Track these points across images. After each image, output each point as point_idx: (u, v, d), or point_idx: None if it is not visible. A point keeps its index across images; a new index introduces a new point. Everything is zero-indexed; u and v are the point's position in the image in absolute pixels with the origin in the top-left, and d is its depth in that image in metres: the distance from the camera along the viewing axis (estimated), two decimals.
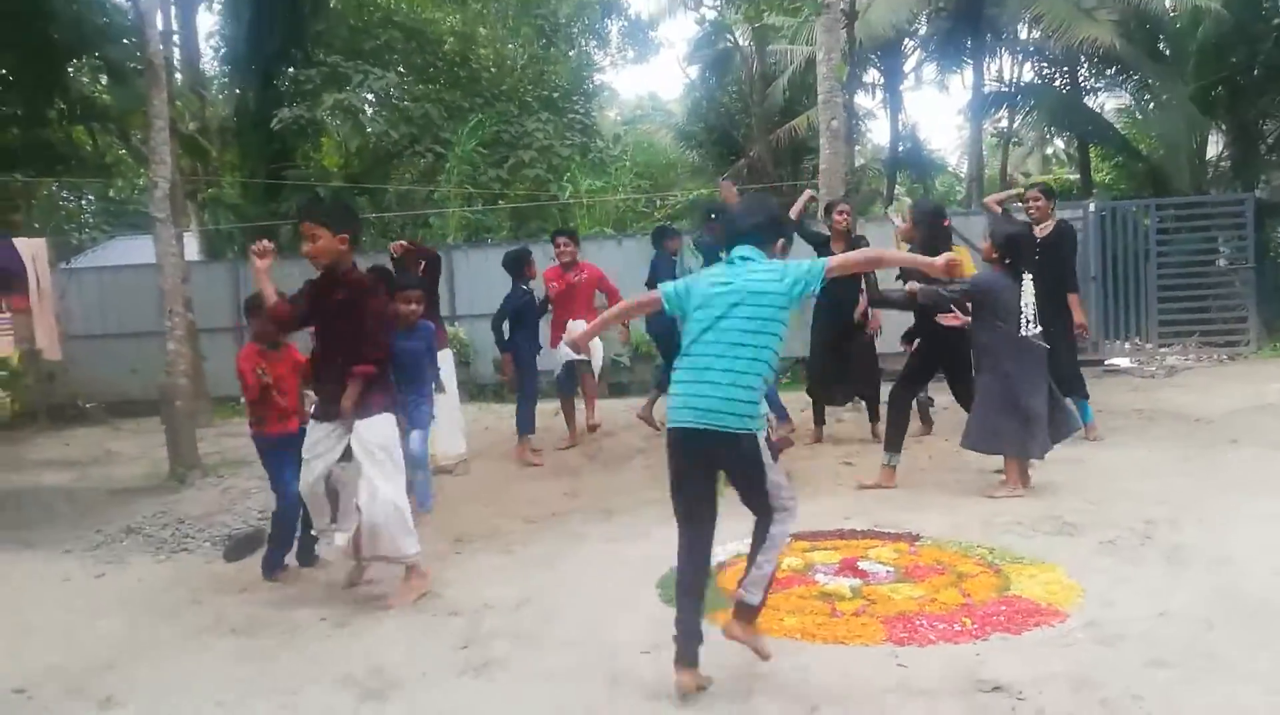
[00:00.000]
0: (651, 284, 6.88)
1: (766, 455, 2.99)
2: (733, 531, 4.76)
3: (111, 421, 11.32)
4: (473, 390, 11.21)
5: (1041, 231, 6.74)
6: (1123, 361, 11.05)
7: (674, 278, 3.89)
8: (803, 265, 3.09)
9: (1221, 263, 12.77)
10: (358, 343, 4.03)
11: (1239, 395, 8.06)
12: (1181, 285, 12.05)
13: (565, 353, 6.91)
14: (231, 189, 15.79)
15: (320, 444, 4.10)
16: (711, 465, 3.08)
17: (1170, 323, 11.97)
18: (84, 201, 22.12)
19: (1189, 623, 3.35)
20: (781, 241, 3.42)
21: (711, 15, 21.56)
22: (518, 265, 7.14)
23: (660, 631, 3.51)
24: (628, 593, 3.98)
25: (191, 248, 14.03)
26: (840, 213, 7.10)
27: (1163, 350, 11.53)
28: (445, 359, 6.44)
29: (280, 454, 4.62)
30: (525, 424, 7.19)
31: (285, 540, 4.65)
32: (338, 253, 4.03)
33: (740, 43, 20.85)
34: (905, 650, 3.27)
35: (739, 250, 3.17)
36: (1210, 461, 5.87)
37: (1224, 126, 13.92)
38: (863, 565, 4.12)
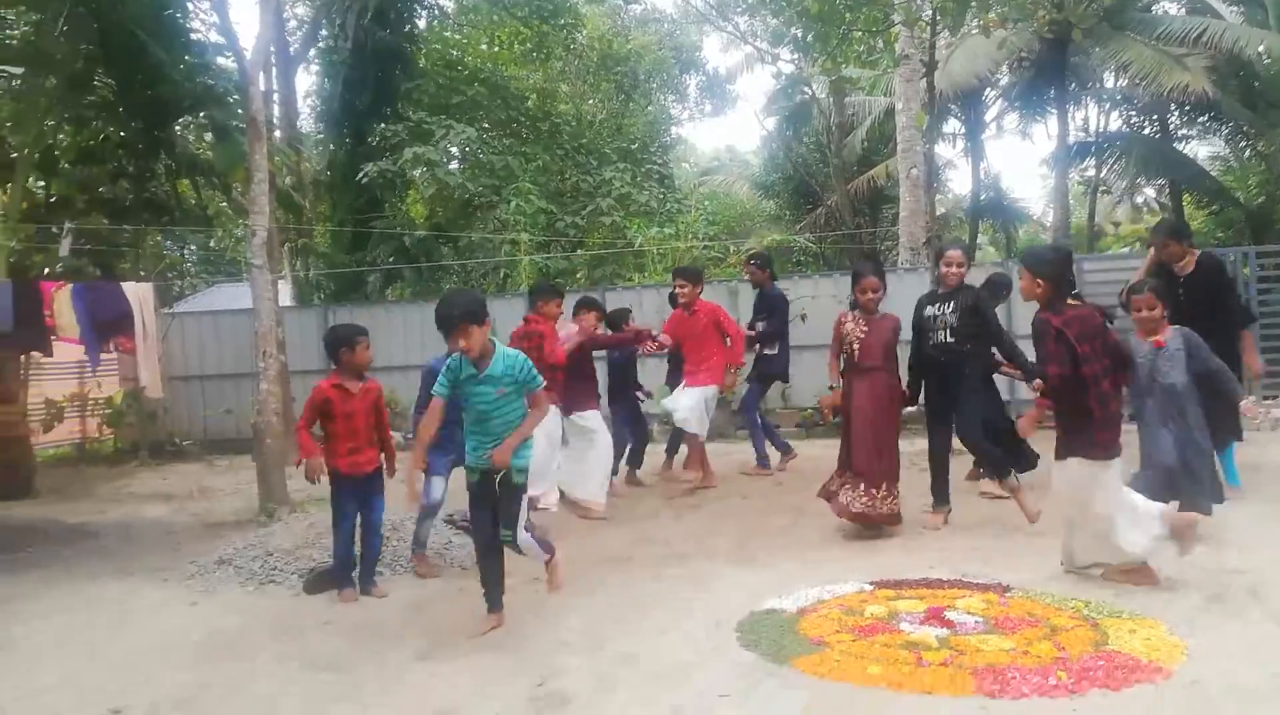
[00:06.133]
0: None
1: None
2: (808, 578, 4.71)
3: (207, 458, 11.76)
4: None
5: (1182, 269, 6.46)
6: None
7: None
8: None
9: None
10: None
11: None
12: None
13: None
14: (322, 238, 16.45)
15: None
16: None
17: (1274, 374, 11.40)
18: (186, 250, 23.33)
19: None
20: None
21: (788, 69, 21.74)
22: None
23: (740, 677, 3.46)
24: (707, 637, 3.93)
25: (285, 294, 14.59)
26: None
27: (1266, 402, 10.97)
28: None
29: (344, 491, 4.90)
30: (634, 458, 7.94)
31: (340, 565, 5.00)
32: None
33: (817, 95, 20.96)
34: (996, 703, 3.14)
35: None
36: None
37: None
38: (949, 615, 3.99)
